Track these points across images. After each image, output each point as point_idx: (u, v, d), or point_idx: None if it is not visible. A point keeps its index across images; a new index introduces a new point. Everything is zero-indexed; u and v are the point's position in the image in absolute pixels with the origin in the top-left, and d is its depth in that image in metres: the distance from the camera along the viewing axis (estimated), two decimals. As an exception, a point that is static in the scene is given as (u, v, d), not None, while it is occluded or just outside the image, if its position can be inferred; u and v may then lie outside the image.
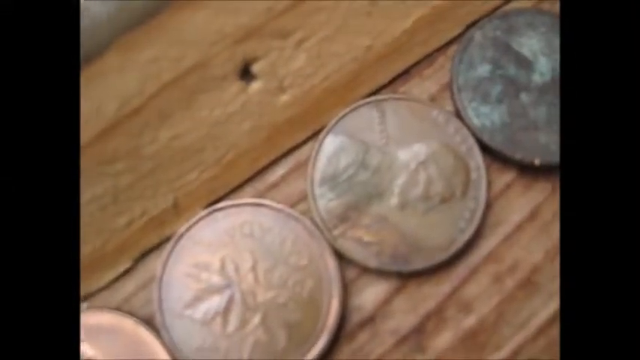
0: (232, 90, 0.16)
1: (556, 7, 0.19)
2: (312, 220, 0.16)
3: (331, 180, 0.17)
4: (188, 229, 0.16)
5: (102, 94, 0.15)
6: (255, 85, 0.16)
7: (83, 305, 0.16)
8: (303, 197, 0.17)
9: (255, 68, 0.16)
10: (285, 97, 0.16)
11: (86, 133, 0.15)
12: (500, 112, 0.17)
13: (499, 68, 0.18)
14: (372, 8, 0.17)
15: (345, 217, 0.17)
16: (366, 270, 0.17)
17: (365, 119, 0.17)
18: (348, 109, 0.17)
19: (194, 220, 0.16)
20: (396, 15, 0.17)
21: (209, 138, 0.16)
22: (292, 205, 0.17)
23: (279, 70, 0.16)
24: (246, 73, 0.16)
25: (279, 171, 0.17)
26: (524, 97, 0.18)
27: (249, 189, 0.17)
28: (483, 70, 0.18)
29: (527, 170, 0.17)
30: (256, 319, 0.16)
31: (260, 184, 0.17)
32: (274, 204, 0.17)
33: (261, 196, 0.17)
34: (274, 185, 0.17)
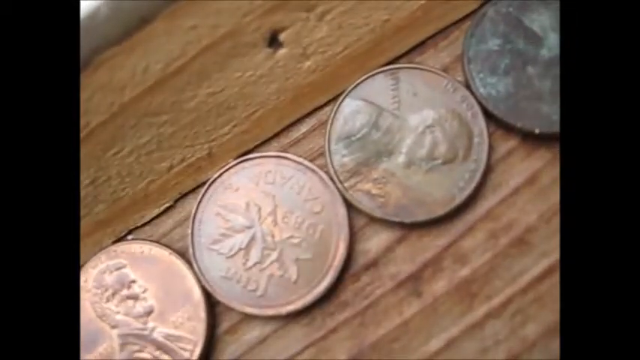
0: (261, 56, 0.18)
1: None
2: (327, 172, 0.19)
3: (346, 138, 0.19)
4: (220, 175, 0.19)
5: (150, 56, 0.17)
6: (282, 52, 0.18)
7: (129, 237, 0.19)
8: (321, 153, 0.19)
9: (282, 37, 0.18)
10: (308, 63, 0.18)
11: (136, 88, 0.17)
12: (506, 83, 0.19)
13: (509, 42, 0.19)
14: (389, -14, 0.18)
15: (356, 171, 0.19)
16: (372, 219, 0.19)
17: (380, 85, 0.19)
18: (365, 76, 0.19)
19: (225, 167, 0.19)
20: (413, -8, 0.19)
21: (241, 97, 0.18)
22: (311, 159, 0.19)
23: (303, 39, 0.18)
24: (273, 41, 0.18)
25: (302, 129, 0.19)
26: (530, 69, 0.19)
27: (274, 143, 0.19)
28: (493, 43, 0.19)
29: (529, 139, 0.19)
30: (273, 256, 0.18)
31: (284, 139, 0.19)
32: (295, 157, 0.19)
33: (285, 150, 0.19)
34: (297, 141, 0.19)
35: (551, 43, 0.19)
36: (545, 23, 0.19)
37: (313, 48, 0.18)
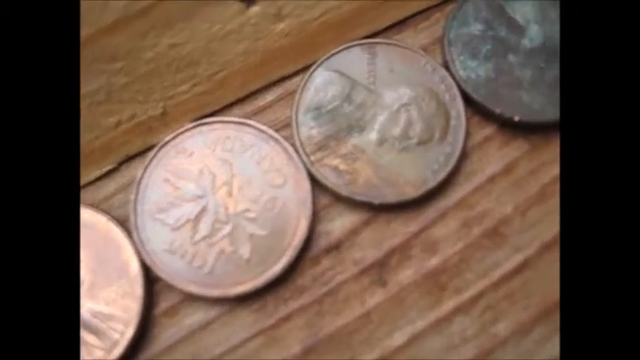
0: (233, 9, 0.17)
1: (554, -20, 0.20)
2: (292, 144, 0.17)
3: (315, 110, 0.17)
4: (173, 138, 0.17)
5: (111, -9, 0.16)
6: (255, 9, 0.17)
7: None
8: (287, 124, 0.17)
9: (257, -8, 0.17)
10: (281, 26, 0.17)
11: (91, 26, 0.16)
12: (486, 68, 0.18)
13: (491, 29, 0.18)
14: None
15: (324, 145, 0.17)
16: (338, 199, 0.17)
17: (356, 59, 0.18)
18: (341, 47, 0.18)
19: (180, 130, 0.17)
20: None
21: (205, 52, 0.17)
22: (276, 130, 0.17)
23: (278, -1, 0.17)
24: (247, -4, 0.17)
25: (268, 97, 0.18)
26: (511, 57, 0.18)
27: (237, 110, 0.18)
28: (475, 28, 0.18)
29: (507, 127, 0.18)
30: (225, 230, 0.16)
31: (248, 107, 0.18)
32: (258, 124, 0.17)
33: (248, 117, 0.18)
34: (262, 109, 0.18)
35: (533, 34, 0.19)
36: (528, 14, 0.19)
37: (289, 9, 0.17)
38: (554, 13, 0.19)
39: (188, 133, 0.17)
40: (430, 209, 0.17)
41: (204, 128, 0.17)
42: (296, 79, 0.18)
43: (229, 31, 0.17)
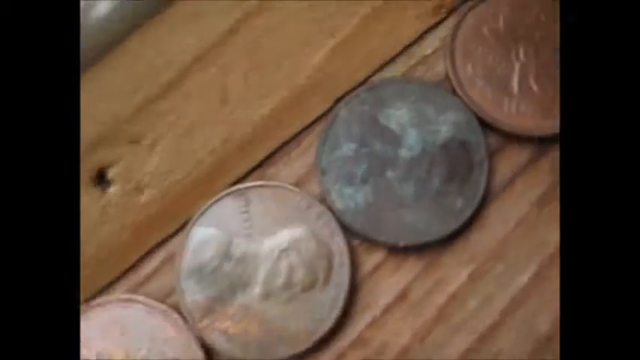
0: (88, 198, 0.16)
1: (427, 75, 0.18)
2: (180, 313, 0.17)
3: (197, 272, 0.17)
4: (66, 327, 0.18)
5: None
6: (112, 190, 0.17)
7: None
8: (173, 290, 0.17)
9: (110, 174, 0.16)
10: (144, 197, 0.17)
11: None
12: (364, 193, 0.17)
13: (364, 146, 0.18)
14: (224, 102, 0.17)
15: (210, 309, 0.17)
16: (235, 361, 0.17)
17: (229, 209, 0.17)
18: (211, 201, 0.17)
19: (70, 318, 0.17)
20: (252, 104, 0.17)
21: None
22: (163, 299, 0.17)
23: (134, 173, 0.17)
24: (101, 180, 0.17)
25: (152, 263, 0.18)
26: (390, 173, 0.17)
27: (123, 282, 0.18)
28: (348, 148, 0.17)
29: (397, 249, 0.17)
30: (130, 411, 0.17)
31: (134, 277, 0.17)
32: (144, 299, 0.17)
33: (135, 289, 0.18)
34: (147, 278, 0.18)
35: (411, 141, 0.18)
36: (404, 119, 0.18)
37: (147, 180, 0.17)
38: (432, 111, 0.18)
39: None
40: (326, 353, 0.17)
41: (91, 314, 0.17)
42: (176, 240, 0.18)
43: (93, 218, 0.16)
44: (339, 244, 0.17)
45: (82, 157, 0.16)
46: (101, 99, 0.16)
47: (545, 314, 0.17)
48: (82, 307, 0.17)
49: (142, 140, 0.16)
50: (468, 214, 0.17)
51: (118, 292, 0.17)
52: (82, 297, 0.17)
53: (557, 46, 0.18)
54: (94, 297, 0.17)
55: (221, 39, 0.16)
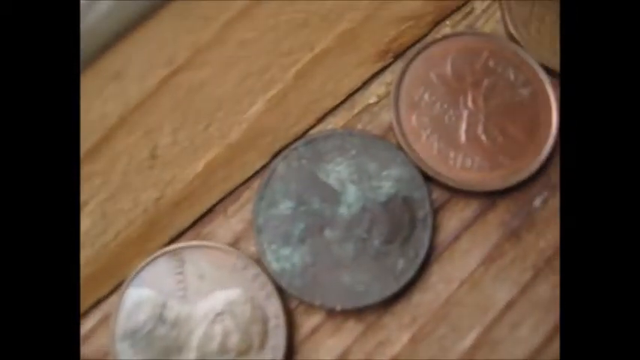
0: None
1: (369, 127, 0.17)
2: (114, 379, 0.17)
3: (131, 335, 0.17)
4: (1, 390, 0.17)
5: None
6: (41, 253, 0.16)
7: None
8: (108, 353, 0.17)
9: (38, 237, 0.16)
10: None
11: None
12: (301, 253, 0.17)
13: (302, 204, 0.17)
14: (154, 161, 0.16)
15: (144, 374, 0.17)
16: None
17: (164, 270, 0.17)
18: (145, 262, 0.17)
19: (5, 381, 0.17)
20: (184, 162, 0.17)
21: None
22: (99, 360, 0.17)
23: (63, 237, 0.16)
24: (29, 244, 0.16)
25: (89, 324, 0.17)
26: (328, 233, 0.17)
27: (60, 344, 0.18)
28: (285, 206, 0.17)
29: (337, 311, 0.17)
30: None
31: (70, 339, 0.18)
32: (78, 363, 0.17)
33: (71, 351, 0.17)
34: (86, 338, 0.17)
35: (351, 198, 0.17)
36: (344, 174, 0.17)
37: (80, 241, 0.17)
38: (374, 166, 0.17)
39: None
40: (263, 421, 0.16)
41: (27, 375, 0.17)
42: (113, 299, 0.17)
43: (20, 283, 0.16)
44: (275, 306, 0.16)
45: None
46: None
47: (490, 379, 0.16)
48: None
49: (69, 204, 0.16)
50: (409, 275, 0.16)
51: (53, 355, 0.17)
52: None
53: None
54: (28, 360, 0.17)
55: (146, 99, 0.16)
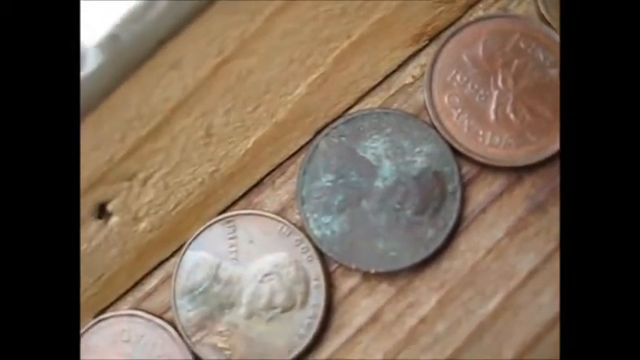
0: (93, 228, 0.18)
1: (404, 107, 0.19)
2: (175, 328, 0.19)
3: (190, 292, 0.19)
4: (81, 336, 0.20)
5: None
6: (114, 220, 0.18)
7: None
8: (170, 306, 0.19)
9: (110, 207, 0.18)
10: (143, 225, 0.19)
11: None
12: (340, 222, 0.18)
13: (341, 177, 0.18)
14: (209, 139, 0.18)
15: (201, 325, 0.19)
16: (223, 374, 0.19)
17: (218, 235, 0.19)
18: (202, 228, 0.19)
19: (84, 328, 0.20)
20: (236, 139, 0.18)
21: (83, 267, 0.19)
22: (162, 313, 0.19)
23: (131, 206, 0.18)
24: (103, 212, 0.18)
25: (153, 281, 0.19)
26: (365, 204, 0.18)
27: (129, 298, 0.20)
28: (326, 179, 0.19)
29: (370, 275, 0.18)
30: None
31: (138, 293, 0.19)
32: (145, 314, 0.19)
33: (139, 304, 0.20)
34: (149, 294, 0.20)
35: (386, 172, 0.18)
36: (380, 150, 0.18)
37: (144, 211, 0.19)
38: (408, 143, 0.18)
39: (92, 330, 0.20)
40: (304, 369, 0.18)
41: (103, 324, 0.19)
42: (173, 260, 0.19)
43: (96, 245, 0.18)
44: (316, 269, 0.18)
45: (85, 194, 0.18)
46: (98, 144, 0.17)
47: (511, 341, 0.18)
48: (93, 321, 0.20)
49: (136, 177, 0.18)
50: (438, 243, 0.18)
51: (128, 305, 0.20)
52: (92, 312, 0.20)
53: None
54: (102, 312, 0.20)
55: (200, 85, 0.17)
